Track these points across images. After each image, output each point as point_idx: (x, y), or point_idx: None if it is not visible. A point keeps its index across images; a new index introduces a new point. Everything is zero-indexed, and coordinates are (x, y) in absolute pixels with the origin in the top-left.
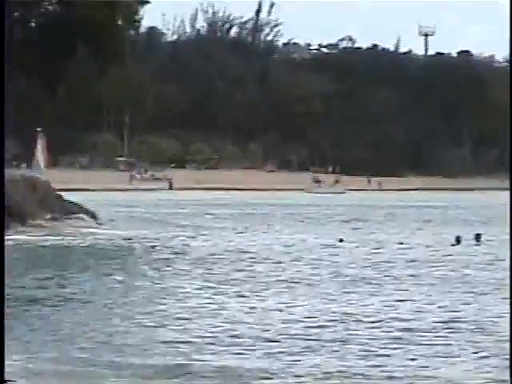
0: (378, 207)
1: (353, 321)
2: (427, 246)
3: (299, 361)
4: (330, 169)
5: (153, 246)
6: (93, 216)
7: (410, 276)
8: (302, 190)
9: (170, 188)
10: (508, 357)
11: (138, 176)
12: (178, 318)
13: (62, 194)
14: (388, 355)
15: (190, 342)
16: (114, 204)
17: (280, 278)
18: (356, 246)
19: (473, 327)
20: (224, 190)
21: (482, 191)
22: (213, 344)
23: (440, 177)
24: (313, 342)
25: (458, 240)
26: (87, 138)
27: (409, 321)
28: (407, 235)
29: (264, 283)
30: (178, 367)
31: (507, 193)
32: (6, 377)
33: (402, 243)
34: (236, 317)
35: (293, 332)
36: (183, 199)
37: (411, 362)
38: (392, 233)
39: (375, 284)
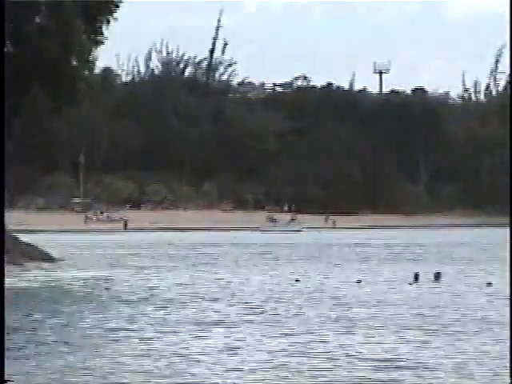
0: (335, 245)
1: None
2: (385, 284)
3: None
4: (286, 207)
5: (106, 288)
6: (49, 258)
7: (368, 317)
8: (258, 228)
9: (125, 229)
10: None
11: (94, 217)
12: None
13: (19, 235)
14: None
15: None
16: (69, 246)
17: (230, 319)
18: (313, 286)
19: None
20: (179, 231)
21: (438, 228)
22: None
23: (396, 214)
24: None
25: (416, 277)
26: (43, 178)
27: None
28: (365, 273)
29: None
30: None
31: (462, 230)
32: None
33: (359, 281)
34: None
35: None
36: (138, 240)
37: None
38: (349, 271)
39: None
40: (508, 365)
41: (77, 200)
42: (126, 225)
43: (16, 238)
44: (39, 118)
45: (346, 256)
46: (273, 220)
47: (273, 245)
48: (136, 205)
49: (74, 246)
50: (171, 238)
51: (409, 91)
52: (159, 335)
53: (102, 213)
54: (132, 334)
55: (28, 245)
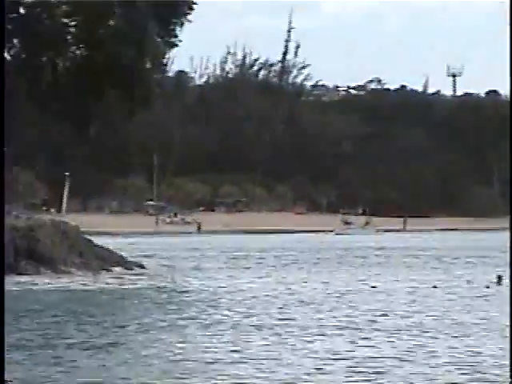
0: (414, 249)
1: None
2: (465, 288)
3: None
4: (360, 210)
5: (183, 291)
6: (123, 261)
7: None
8: (332, 231)
9: (199, 231)
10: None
11: (168, 219)
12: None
13: (92, 238)
14: None
15: None
16: (143, 249)
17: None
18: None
19: None
20: (254, 233)
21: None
22: None
23: (469, 217)
24: None
25: (500, 280)
26: (116, 181)
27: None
28: (444, 277)
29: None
30: None
31: None
32: None
33: (435, 287)
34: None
35: None
36: (213, 243)
37: None
38: (429, 275)
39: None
40: None
41: (151, 203)
42: (199, 227)
43: (90, 241)
44: (113, 121)
45: (427, 260)
46: (347, 223)
47: (349, 248)
48: (209, 207)
49: (147, 249)
50: (246, 241)
51: (482, 94)
52: None
53: (175, 215)
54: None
55: (102, 248)
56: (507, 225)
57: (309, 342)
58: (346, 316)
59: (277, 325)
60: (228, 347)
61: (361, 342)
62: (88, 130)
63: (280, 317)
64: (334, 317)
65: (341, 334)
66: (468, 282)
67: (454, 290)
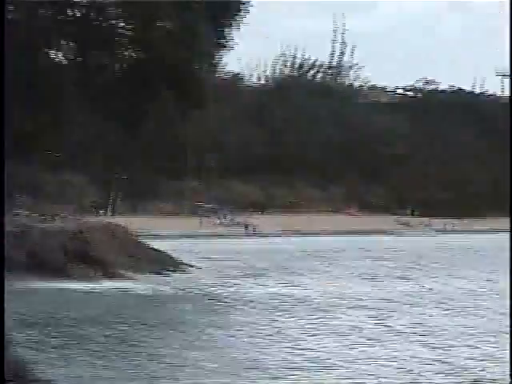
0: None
1: None
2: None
3: None
4: (409, 211)
5: (226, 296)
6: (175, 263)
7: None
8: (386, 232)
9: (252, 234)
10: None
11: (218, 221)
12: None
13: (143, 240)
14: None
15: None
16: (196, 251)
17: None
18: None
19: None
20: (308, 235)
21: None
22: None
23: None
24: None
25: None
26: (168, 183)
27: None
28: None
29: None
30: None
31: None
32: None
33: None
34: None
35: None
36: (267, 247)
37: None
38: None
39: None
40: None
41: (202, 205)
42: (254, 229)
43: (139, 243)
44: (165, 122)
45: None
46: (404, 224)
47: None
48: (261, 209)
49: (198, 251)
50: (302, 243)
51: None
52: None
53: (225, 217)
54: None
55: (152, 249)
56: None
57: None
58: None
59: None
60: None
61: None
62: (139, 131)
63: None
64: None
65: None
66: None
67: None
